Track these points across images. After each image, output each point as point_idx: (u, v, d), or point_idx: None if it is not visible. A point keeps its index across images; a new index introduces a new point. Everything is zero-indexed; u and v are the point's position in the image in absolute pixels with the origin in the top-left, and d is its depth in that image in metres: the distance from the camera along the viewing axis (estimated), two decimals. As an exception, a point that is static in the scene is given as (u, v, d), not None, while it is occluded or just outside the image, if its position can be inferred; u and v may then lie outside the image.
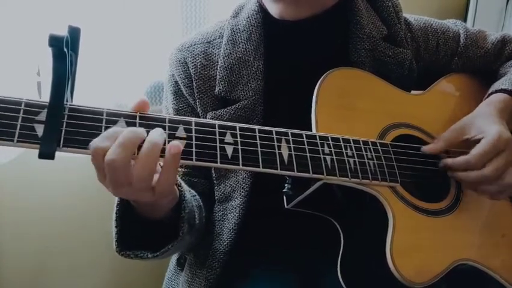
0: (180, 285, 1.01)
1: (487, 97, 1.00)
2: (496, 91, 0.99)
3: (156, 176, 0.66)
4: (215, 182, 0.97)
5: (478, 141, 0.89)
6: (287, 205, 0.85)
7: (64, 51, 0.59)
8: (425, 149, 0.91)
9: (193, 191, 0.91)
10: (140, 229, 0.80)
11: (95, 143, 0.61)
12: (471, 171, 0.87)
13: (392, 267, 0.77)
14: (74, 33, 0.62)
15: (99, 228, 1.44)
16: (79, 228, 1.50)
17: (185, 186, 0.82)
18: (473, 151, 0.87)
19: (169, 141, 0.65)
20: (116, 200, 0.77)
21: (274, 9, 0.94)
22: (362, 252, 0.84)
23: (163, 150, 0.64)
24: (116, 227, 0.77)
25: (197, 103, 0.96)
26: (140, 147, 0.63)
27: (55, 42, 0.58)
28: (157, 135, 0.64)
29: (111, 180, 0.63)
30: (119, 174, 0.62)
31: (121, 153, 0.60)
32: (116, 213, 0.77)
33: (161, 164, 0.65)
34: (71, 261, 1.52)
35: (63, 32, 0.60)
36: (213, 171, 0.97)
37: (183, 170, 0.99)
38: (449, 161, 0.90)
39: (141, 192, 0.65)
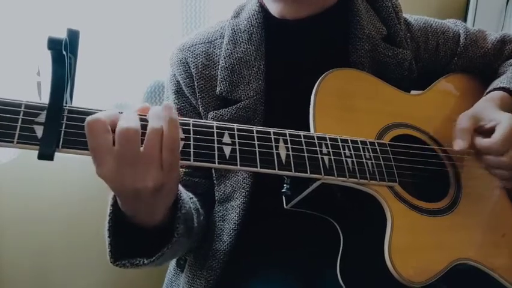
0: (181, 287, 1.01)
1: (486, 95, 1.00)
2: (495, 89, 0.99)
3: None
4: (215, 182, 0.97)
5: (491, 129, 0.89)
6: (286, 205, 0.85)
7: (63, 54, 0.60)
8: (458, 146, 0.89)
9: (190, 194, 0.90)
10: (134, 237, 0.77)
11: (98, 116, 0.61)
12: (490, 156, 0.88)
13: (390, 266, 0.77)
14: (73, 36, 0.62)
15: (99, 227, 1.43)
16: (79, 227, 1.50)
17: (181, 188, 0.81)
18: (495, 136, 0.87)
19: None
20: (108, 210, 0.75)
21: (274, 9, 0.94)
22: (360, 252, 0.84)
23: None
24: (109, 237, 0.75)
25: (198, 103, 0.96)
26: None
27: (54, 45, 0.59)
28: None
29: (122, 157, 0.62)
30: (134, 144, 0.62)
31: (134, 122, 0.62)
32: (108, 223, 0.75)
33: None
34: (70, 261, 1.53)
35: (62, 35, 0.60)
36: (213, 172, 0.97)
37: (184, 170, 0.99)
38: (476, 141, 0.89)
39: (150, 166, 0.64)
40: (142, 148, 0.63)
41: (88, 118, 0.61)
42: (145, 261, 0.75)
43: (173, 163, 0.66)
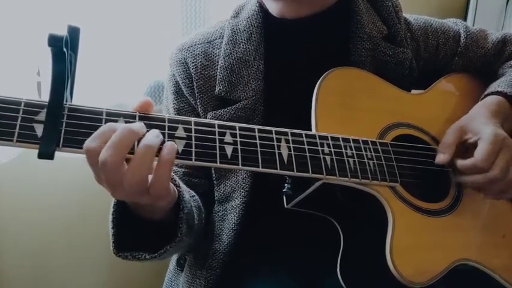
0: (180, 286, 1.00)
1: (483, 98, 0.99)
2: (492, 93, 0.98)
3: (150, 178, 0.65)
4: (215, 182, 0.97)
5: (474, 143, 0.88)
6: (287, 205, 0.85)
7: (64, 51, 0.59)
8: (439, 160, 0.90)
9: (192, 192, 0.91)
10: (138, 230, 0.79)
11: (86, 143, 0.61)
12: (477, 175, 0.87)
13: (391, 267, 0.77)
14: (74, 32, 0.61)
15: (99, 227, 1.43)
16: (79, 227, 1.50)
17: (183, 187, 0.82)
18: (477, 155, 0.86)
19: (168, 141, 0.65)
20: (112, 200, 0.77)
21: (274, 8, 0.95)
22: (361, 253, 0.84)
23: (159, 150, 0.63)
24: (112, 228, 0.76)
25: (197, 103, 0.96)
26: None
27: (55, 42, 0.58)
28: (152, 137, 0.63)
29: (106, 181, 0.62)
30: (112, 175, 0.61)
31: (112, 155, 0.59)
32: (112, 214, 0.76)
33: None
34: (71, 261, 1.53)
35: (62, 32, 0.60)
36: (213, 172, 0.97)
37: (183, 170, 0.99)
38: (458, 163, 0.89)
39: (136, 195, 0.64)
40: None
41: (84, 145, 0.61)
42: (147, 256, 0.77)
43: (160, 196, 0.67)
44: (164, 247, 0.77)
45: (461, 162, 0.88)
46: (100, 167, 0.60)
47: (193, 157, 0.67)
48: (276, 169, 0.73)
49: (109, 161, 0.59)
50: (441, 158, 0.89)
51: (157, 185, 0.64)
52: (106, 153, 0.59)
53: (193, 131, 0.68)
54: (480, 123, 0.91)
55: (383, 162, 0.83)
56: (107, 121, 0.64)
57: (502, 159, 0.86)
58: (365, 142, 0.84)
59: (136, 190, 0.63)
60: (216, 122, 0.71)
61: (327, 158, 0.78)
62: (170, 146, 0.64)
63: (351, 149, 0.81)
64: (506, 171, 0.86)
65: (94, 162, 0.61)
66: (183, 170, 0.99)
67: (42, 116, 0.60)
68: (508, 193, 0.90)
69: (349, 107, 0.88)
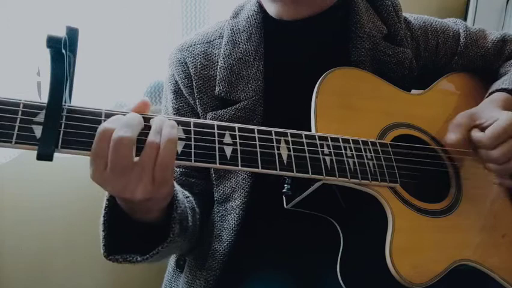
0: (180, 287, 1.00)
1: (488, 96, 1.00)
2: (497, 90, 0.99)
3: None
4: (214, 182, 0.97)
5: (489, 126, 0.89)
6: (286, 205, 0.85)
7: (62, 52, 0.59)
8: (449, 138, 0.91)
9: (186, 193, 0.90)
10: (130, 233, 0.78)
11: (104, 125, 0.62)
12: (482, 150, 0.89)
13: (391, 267, 0.77)
14: (72, 34, 0.61)
15: (99, 227, 1.44)
16: (79, 227, 1.50)
17: (178, 187, 0.81)
18: (487, 131, 0.87)
19: None
20: (104, 204, 0.76)
21: (271, 9, 0.94)
22: (361, 253, 0.84)
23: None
24: (103, 231, 0.75)
25: (197, 103, 0.96)
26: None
27: (53, 43, 0.58)
28: (171, 129, 0.66)
29: (115, 165, 0.62)
30: (125, 154, 0.61)
31: (128, 131, 0.61)
32: (103, 217, 0.76)
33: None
34: (70, 261, 1.53)
35: (61, 33, 0.60)
36: (212, 172, 0.97)
37: (181, 169, 0.98)
38: (471, 133, 0.90)
39: (142, 178, 0.64)
40: (137, 159, 0.63)
41: (100, 127, 0.62)
42: (138, 259, 0.76)
43: (165, 180, 0.67)
44: (156, 248, 0.76)
45: (473, 133, 0.90)
46: (113, 146, 0.61)
47: (193, 158, 0.67)
48: (276, 170, 0.73)
49: (126, 136, 0.61)
50: (452, 137, 0.90)
51: (162, 171, 0.65)
52: (121, 131, 0.61)
53: (192, 132, 0.68)
54: (494, 111, 0.92)
55: (383, 162, 0.83)
56: None
57: (508, 144, 0.87)
58: (365, 142, 0.83)
59: (148, 158, 0.64)
60: (216, 122, 0.71)
61: (327, 158, 0.77)
62: (171, 124, 0.65)
63: (351, 150, 0.81)
64: (507, 158, 0.87)
65: (104, 144, 0.61)
66: (180, 169, 0.98)
67: (41, 118, 0.60)
68: (506, 179, 0.92)
69: (349, 107, 0.88)
